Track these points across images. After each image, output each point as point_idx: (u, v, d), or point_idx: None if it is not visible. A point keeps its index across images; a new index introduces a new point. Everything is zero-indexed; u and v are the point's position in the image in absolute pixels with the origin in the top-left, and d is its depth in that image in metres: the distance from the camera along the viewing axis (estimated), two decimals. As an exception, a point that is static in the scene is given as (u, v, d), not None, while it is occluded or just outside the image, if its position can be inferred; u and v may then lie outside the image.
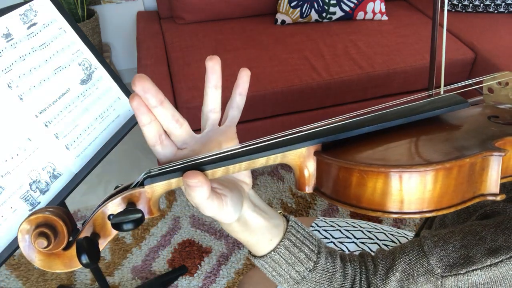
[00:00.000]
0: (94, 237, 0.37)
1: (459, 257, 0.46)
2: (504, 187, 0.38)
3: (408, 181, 0.35)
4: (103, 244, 0.38)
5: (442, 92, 0.50)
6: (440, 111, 0.44)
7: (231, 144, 0.44)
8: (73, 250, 0.37)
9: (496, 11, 2.08)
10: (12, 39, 0.75)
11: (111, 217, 0.37)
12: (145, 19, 2.18)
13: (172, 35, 1.98)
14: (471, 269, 0.45)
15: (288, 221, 0.50)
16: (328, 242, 0.86)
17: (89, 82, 0.87)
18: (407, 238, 0.86)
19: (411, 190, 0.35)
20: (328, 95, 1.72)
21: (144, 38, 1.99)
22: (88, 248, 0.35)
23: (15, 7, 0.77)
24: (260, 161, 0.39)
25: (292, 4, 2.00)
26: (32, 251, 0.36)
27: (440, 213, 0.36)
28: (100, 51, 2.29)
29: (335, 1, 2.00)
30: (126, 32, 2.43)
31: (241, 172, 0.43)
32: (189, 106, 1.57)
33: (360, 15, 2.05)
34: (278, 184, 1.89)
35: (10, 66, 0.74)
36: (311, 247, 0.49)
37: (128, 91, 0.95)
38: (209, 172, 0.38)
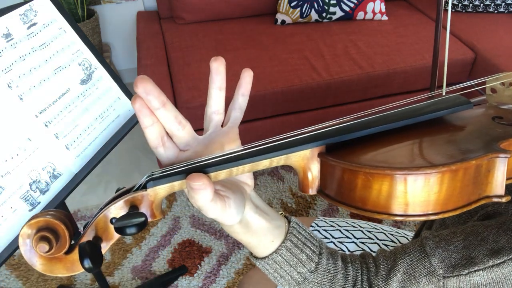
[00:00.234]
0: (97, 241, 0.37)
1: (461, 258, 0.46)
2: (506, 188, 0.38)
3: (414, 184, 0.35)
4: (105, 248, 0.38)
5: (444, 93, 0.50)
6: (444, 112, 0.44)
7: (234, 145, 0.43)
8: (75, 254, 0.37)
9: (496, 11, 2.08)
10: (12, 39, 0.75)
11: (113, 220, 0.37)
12: (145, 19, 2.18)
13: (172, 35, 1.98)
14: (473, 270, 0.45)
15: (289, 222, 0.50)
16: (328, 242, 0.86)
17: (89, 82, 0.87)
18: (407, 238, 0.86)
19: (417, 192, 0.35)
20: (328, 95, 1.72)
21: (144, 38, 1.99)
22: (91, 252, 0.34)
23: (15, 7, 0.77)
24: (264, 163, 0.39)
25: (292, 4, 2.00)
26: (33, 255, 0.36)
27: (446, 215, 0.36)
28: (100, 51, 2.29)
29: (335, 1, 2.00)
30: (126, 32, 2.43)
31: (243, 174, 0.43)
32: (189, 106, 1.57)
33: (360, 15, 2.05)
34: (278, 184, 1.89)
35: (10, 66, 0.74)
36: (312, 248, 0.49)
37: (128, 91, 0.95)
38: (212, 174, 0.38)
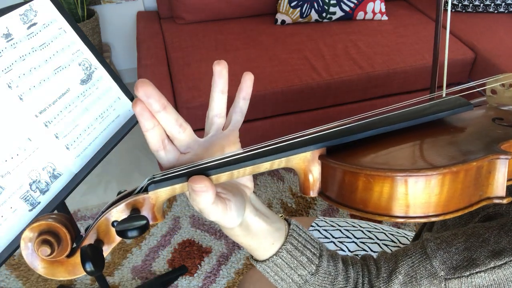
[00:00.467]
0: (98, 244, 0.37)
1: (463, 260, 0.46)
2: (508, 189, 0.38)
3: (415, 186, 0.35)
4: (107, 251, 0.38)
5: (444, 94, 0.50)
6: (445, 114, 0.44)
7: (234, 148, 0.43)
8: (76, 257, 0.37)
9: (496, 11, 2.08)
10: (12, 39, 0.75)
11: (115, 224, 0.37)
12: (145, 19, 2.18)
13: (172, 35, 1.98)
14: (474, 271, 0.45)
15: (289, 224, 0.50)
16: (328, 242, 0.86)
17: (89, 82, 0.87)
18: (407, 238, 0.86)
19: (418, 194, 0.35)
20: (328, 95, 1.72)
21: (144, 38, 1.99)
22: (93, 255, 0.34)
23: (15, 7, 0.77)
24: (265, 166, 0.39)
25: (292, 4, 2.00)
26: (35, 259, 0.36)
27: (447, 217, 0.36)
28: (100, 51, 2.29)
29: (335, 1, 2.00)
30: (126, 32, 2.43)
31: (244, 176, 0.42)
32: (189, 106, 1.57)
33: (360, 15, 2.05)
34: (278, 184, 1.89)
35: (10, 66, 0.74)
36: (313, 250, 0.49)
37: (128, 91, 0.95)
38: (213, 177, 0.38)
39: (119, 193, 0.39)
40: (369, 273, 0.52)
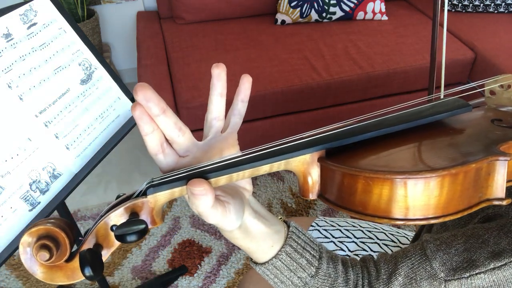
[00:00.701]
0: (97, 249, 0.37)
1: (462, 261, 0.46)
2: (507, 190, 0.38)
3: (414, 188, 0.35)
4: (106, 255, 0.38)
5: (442, 96, 0.50)
6: (443, 115, 0.43)
7: (232, 150, 0.43)
8: (75, 262, 0.36)
9: (496, 11, 2.08)
10: (12, 39, 0.75)
11: (114, 228, 0.37)
12: (145, 19, 2.18)
13: (172, 35, 1.98)
14: (474, 272, 0.45)
15: (288, 226, 0.50)
16: (328, 242, 0.86)
17: (89, 82, 0.87)
18: (407, 238, 0.86)
19: (417, 196, 0.35)
20: (328, 95, 1.72)
21: (144, 38, 1.99)
22: (92, 260, 0.34)
23: (15, 7, 0.77)
24: (264, 169, 0.39)
25: (292, 4, 2.00)
26: (34, 264, 0.36)
27: (446, 219, 0.36)
28: (100, 51, 2.29)
29: (335, 1, 2.00)
30: (126, 32, 2.43)
31: (243, 179, 0.42)
32: (189, 106, 1.57)
33: (360, 15, 2.05)
34: (278, 184, 1.89)
35: (10, 66, 0.74)
36: (312, 252, 0.49)
37: (128, 91, 0.95)
38: (212, 180, 0.38)
39: (118, 196, 0.39)
40: (368, 275, 0.52)
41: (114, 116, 0.90)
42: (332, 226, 0.90)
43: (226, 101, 0.42)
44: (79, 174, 0.80)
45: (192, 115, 1.59)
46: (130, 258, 1.60)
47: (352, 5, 2.01)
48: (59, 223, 0.35)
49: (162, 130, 0.38)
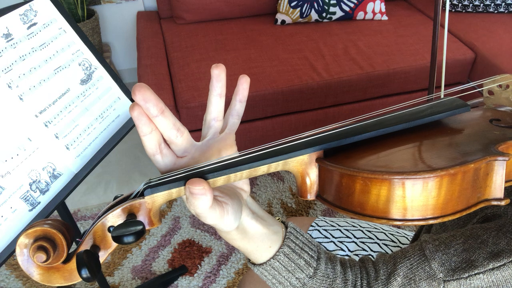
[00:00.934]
0: (95, 250, 0.37)
1: (461, 261, 0.46)
2: (505, 190, 0.38)
3: (412, 188, 0.35)
4: (103, 256, 0.37)
5: (442, 95, 0.50)
6: (442, 116, 0.43)
7: (230, 151, 0.43)
8: (72, 263, 0.36)
9: (496, 11, 2.08)
10: (12, 39, 0.75)
11: (111, 229, 0.37)
12: (145, 19, 2.18)
13: (172, 35, 1.98)
14: (473, 273, 0.45)
15: (286, 227, 0.50)
16: (328, 242, 0.86)
17: (89, 82, 0.87)
18: (407, 238, 0.86)
19: (416, 197, 0.35)
20: (328, 95, 1.72)
21: (144, 38, 1.99)
22: (89, 261, 0.34)
23: (15, 7, 0.77)
24: (262, 169, 0.39)
25: (292, 4, 2.00)
26: (31, 265, 0.35)
27: (445, 219, 0.36)
28: (100, 51, 2.29)
29: (335, 1, 2.00)
30: (126, 32, 2.43)
31: (241, 180, 0.42)
32: (189, 106, 1.57)
33: (360, 15, 2.05)
34: (278, 184, 1.89)
35: (10, 66, 0.74)
36: (310, 253, 0.49)
37: (128, 91, 0.95)
38: (210, 180, 0.37)
39: (116, 197, 0.39)
40: (367, 276, 0.52)
41: (114, 116, 0.90)
42: (332, 226, 0.90)
43: (225, 101, 0.42)
44: (79, 174, 0.80)
45: (192, 115, 1.59)
46: (130, 258, 1.60)
47: (352, 5, 2.01)
48: (56, 224, 0.35)
49: (160, 131, 0.38)
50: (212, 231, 1.69)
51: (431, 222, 0.36)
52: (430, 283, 0.47)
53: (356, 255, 0.83)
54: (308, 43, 1.89)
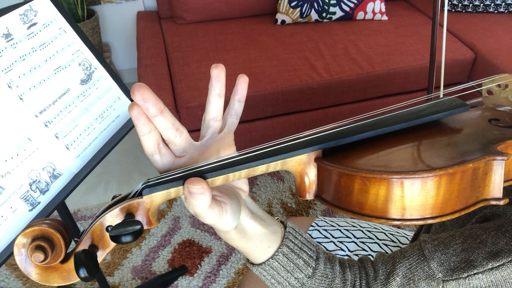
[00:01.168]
0: (93, 250, 0.37)
1: (460, 261, 0.46)
2: (504, 190, 0.38)
3: (411, 188, 0.35)
4: (101, 256, 0.37)
5: (441, 95, 0.50)
6: (441, 115, 0.43)
7: (229, 151, 0.43)
8: (71, 263, 0.36)
9: (496, 11, 2.08)
10: (12, 39, 0.75)
11: (109, 228, 0.37)
12: (145, 19, 2.18)
13: (172, 35, 1.98)
14: (472, 273, 0.45)
15: (285, 227, 0.50)
16: (328, 242, 0.86)
17: (89, 82, 0.87)
18: (407, 238, 0.86)
19: (414, 196, 0.35)
20: (328, 95, 1.72)
21: (144, 38, 1.99)
22: (87, 261, 0.34)
23: (15, 7, 0.77)
24: (260, 169, 0.39)
25: (292, 4, 2.00)
26: (28, 265, 0.35)
27: (443, 219, 0.36)
28: (100, 51, 2.29)
29: (335, 1, 2.00)
30: (126, 32, 2.43)
31: (240, 179, 0.42)
32: (189, 106, 1.57)
33: (360, 15, 2.05)
34: (278, 184, 1.89)
35: (10, 66, 0.74)
36: (309, 253, 0.49)
37: (128, 91, 0.95)
38: (209, 180, 0.37)
39: (114, 197, 0.39)
40: (366, 276, 0.52)
41: (114, 116, 0.90)
42: (332, 226, 0.90)
43: (225, 101, 0.42)
44: (79, 174, 0.80)
45: (192, 115, 1.60)
46: (130, 258, 1.60)
47: (352, 5, 2.01)
48: (54, 224, 0.35)
49: (159, 131, 0.38)
50: (212, 231, 1.69)
51: (430, 221, 0.36)
52: (429, 283, 0.47)
53: (356, 255, 0.83)
54: (308, 43, 1.89)
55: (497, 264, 0.44)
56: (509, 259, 0.44)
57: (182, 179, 0.36)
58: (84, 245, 0.37)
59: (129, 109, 0.36)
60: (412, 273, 0.48)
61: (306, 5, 1.99)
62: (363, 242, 0.85)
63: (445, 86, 1.84)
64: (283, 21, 2.05)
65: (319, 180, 0.40)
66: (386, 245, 0.84)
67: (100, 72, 0.90)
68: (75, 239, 0.38)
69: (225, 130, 0.44)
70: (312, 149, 0.39)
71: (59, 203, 0.76)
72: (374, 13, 2.05)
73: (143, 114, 0.36)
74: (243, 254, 0.49)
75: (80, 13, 2.09)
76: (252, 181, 1.90)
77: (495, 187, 0.37)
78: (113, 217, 0.37)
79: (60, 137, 0.79)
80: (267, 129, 1.76)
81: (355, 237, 0.86)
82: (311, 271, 0.48)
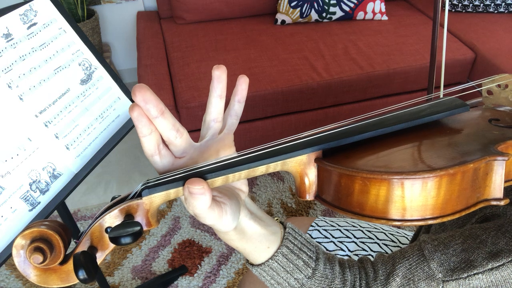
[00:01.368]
0: (92, 251, 0.36)
1: (460, 261, 0.46)
2: (504, 190, 0.38)
3: (411, 188, 0.34)
4: (101, 257, 0.37)
5: (441, 95, 0.50)
6: (441, 115, 0.43)
7: (229, 151, 0.43)
8: (70, 264, 0.36)
9: (496, 11, 2.08)
10: (12, 39, 0.75)
11: (108, 230, 0.36)
12: (145, 19, 2.18)
13: (172, 35, 1.98)
14: (472, 273, 0.45)
15: (285, 227, 0.49)
16: (328, 242, 0.86)
17: (89, 82, 0.87)
18: (407, 238, 0.86)
19: (415, 197, 0.35)
20: (328, 95, 1.72)
21: (144, 38, 1.99)
22: (86, 262, 0.33)
23: (15, 7, 0.77)
24: (260, 169, 0.38)
25: (292, 4, 2.00)
26: (27, 266, 0.35)
27: (444, 219, 0.36)
28: (100, 51, 2.29)
29: (335, 1, 2.00)
30: (126, 32, 2.43)
31: (240, 180, 0.42)
32: (189, 106, 1.57)
33: (360, 15, 2.05)
34: (278, 184, 1.89)
35: (10, 66, 0.74)
36: (309, 253, 0.49)
37: (128, 91, 0.95)
38: (209, 181, 0.37)
39: (113, 198, 0.39)
40: (366, 276, 0.51)
41: (114, 116, 0.90)
42: (332, 226, 0.90)
43: (225, 101, 0.42)
44: (79, 174, 0.80)
45: (192, 115, 1.60)
46: (130, 258, 1.60)
47: (352, 5, 2.01)
48: (53, 226, 0.35)
49: (159, 132, 0.38)
50: (212, 231, 1.69)
51: (430, 222, 0.36)
52: (429, 283, 0.47)
53: (356, 255, 0.83)
54: (308, 43, 1.89)
55: (497, 264, 0.44)
56: (509, 259, 0.44)
57: (182, 180, 0.36)
58: (83, 246, 0.37)
59: (129, 110, 0.35)
60: (412, 273, 0.48)
61: (306, 5, 1.99)
62: (363, 242, 0.85)
63: (445, 86, 1.84)
64: (283, 21, 2.05)
65: (319, 181, 0.40)
66: (386, 245, 0.84)
67: (100, 72, 0.90)
68: (75, 240, 0.38)
69: (225, 131, 0.44)
70: (312, 149, 0.39)
71: (59, 203, 0.76)
72: (374, 13, 2.05)
73: (144, 115, 0.36)
74: (243, 255, 0.49)
75: (80, 13, 2.09)
76: (252, 181, 1.90)
77: (496, 188, 0.37)
78: (112, 218, 0.37)
79: (60, 137, 0.79)
80: (267, 129, 1.76)
81: (355, 237, 0.86)
82: (310, 271, 0.48)
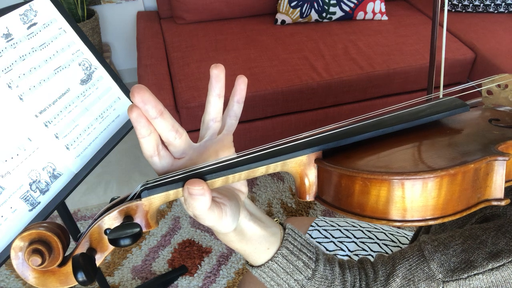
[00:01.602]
0: (91, 253, 0.36)
1: (460, 262, 0.46)
2: (504, 190, 0.38)
3: (412, 189, 0.34)
4: (100, 259, 0.37)
5: (441, 95, 0.50)
6: (441, 115, 0.43)
7: (228, 152, 0.43)
8: (68, 266, 0.36)
9: (496, 11, 2.08)
10: (12, 39, 0.75)
11: (107, 231, 0.36)
12: (145, 19, 2.18)
13: (172, 35, 1.98)
14: (472, 273, 0.45)
15: (285, 229, 0.49)
16: (328, 242, 0.86)
17: (89, 82, 0.87)
18: (407, 238, 0.86)
19: (415, 197, 0.35)
20: (328, 95, 1.72)
21: (144, 38, 1.99)
22: (85, 264, 0.33)
23: (15, 7, 0.77)
24: (260, 170, 0.38)
25: (292, 4, 2.00)
26: (26, 268, 0.35)
27: (445, 220, 0.36)
28: (100, 51, 2.29)
29: (335, 1, 2.00)
30: (126, 32, 2.43)
31: (239, 181, 0.42)
32: (189, 106, 1.57)
33: (360, 15, 2.05)
34: (278, 184, 1.89)
35: (10, 66, 0.74)
36: (309, 254, 0.49)
37: (128, 91, 0.95)
38: (208, 182, 0.37)
39: (112, 199, 0.38)
40: (366, 277, 0.51)
41: (114, 116, 0.90)
42: (332, 226, 0.90)
43: (224, 101, 0.42)
44: (79, 174, 0.80)
45: (192, 115, 1.59)
46: (130, 258, 1.60)
47: (352, 5, 2.01)
48: (52, 227, 0.35)
49: (158, 133, 0.38)
50: (212, 231, 1.69)
51: (431, 223, 0.36)
52: (429, 284, 0.47)
53: (356, 255, 0.83)
54: (308, 43, 1.89)
55: (497, 265, 0.44)
56: (509, 259, 0.44)
57: (181, 181, 0.36)
58: (82, 248, 0.37)
59: (128, 111, 0.35)
60: (412, 274, 0.48)
61: (306, 5, 1.99)
62: (363, 242, 0.85)
63: (445, 86, 1.84)
64: (283, 21, 2.05)
65: (319, 181, 0.40)
66: (386, 245, 0.84)
67: (100, 72, 0.90)
68: (75, 241, 0.38)
69: (224, 132, 0.43)
70: (312, 150, 0.39)
71: (59, 203, 0.76)
72: (374, 13, 2.05)
73: (142, 116, 0.36)
74: (243, 256, 0.48)
75: (80, 13, 2.09)
76: (252, 181, 1.90)
77: (497, 188, 0.37)
78: (112, 220, 0.36)
79: (60, 137, 0.79)
80: (267, 129, 1.76)
81: (355, 237, 0.86)
82: (310, 272, 0.48)
